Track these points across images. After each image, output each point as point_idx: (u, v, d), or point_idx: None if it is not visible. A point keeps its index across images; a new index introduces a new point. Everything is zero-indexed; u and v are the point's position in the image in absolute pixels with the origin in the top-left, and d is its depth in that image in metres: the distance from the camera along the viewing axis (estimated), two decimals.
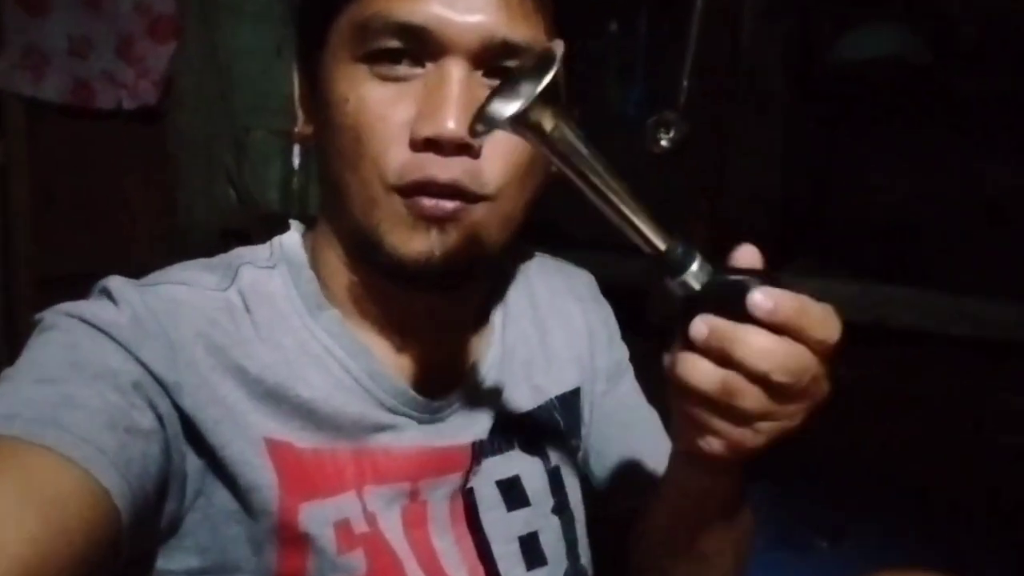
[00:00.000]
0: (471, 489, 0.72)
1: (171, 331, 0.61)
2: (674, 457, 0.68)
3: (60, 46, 2.07)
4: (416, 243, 0.63)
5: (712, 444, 0.55)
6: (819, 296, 0.53)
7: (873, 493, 1.46)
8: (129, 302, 0.61)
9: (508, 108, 0.52)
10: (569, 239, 1.47)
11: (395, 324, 0.71)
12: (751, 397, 0.52)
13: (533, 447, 0.77)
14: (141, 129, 2.13)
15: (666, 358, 0.55)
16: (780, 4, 1.64)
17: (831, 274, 1.51)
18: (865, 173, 1.61)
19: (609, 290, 0.90)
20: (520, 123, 0.51)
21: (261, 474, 0.62)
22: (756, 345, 0.51)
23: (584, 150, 0.53)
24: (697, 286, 0.53)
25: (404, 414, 0.69)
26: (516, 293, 0.82)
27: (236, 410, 0.62)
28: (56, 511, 0.47)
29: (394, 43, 0.62)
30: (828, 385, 0.55)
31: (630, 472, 0.83)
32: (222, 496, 0.62)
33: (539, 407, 0.78)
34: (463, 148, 0.61)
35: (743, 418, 0.53)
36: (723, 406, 0.53)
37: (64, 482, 0.49)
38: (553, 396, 0.80)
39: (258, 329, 0.66)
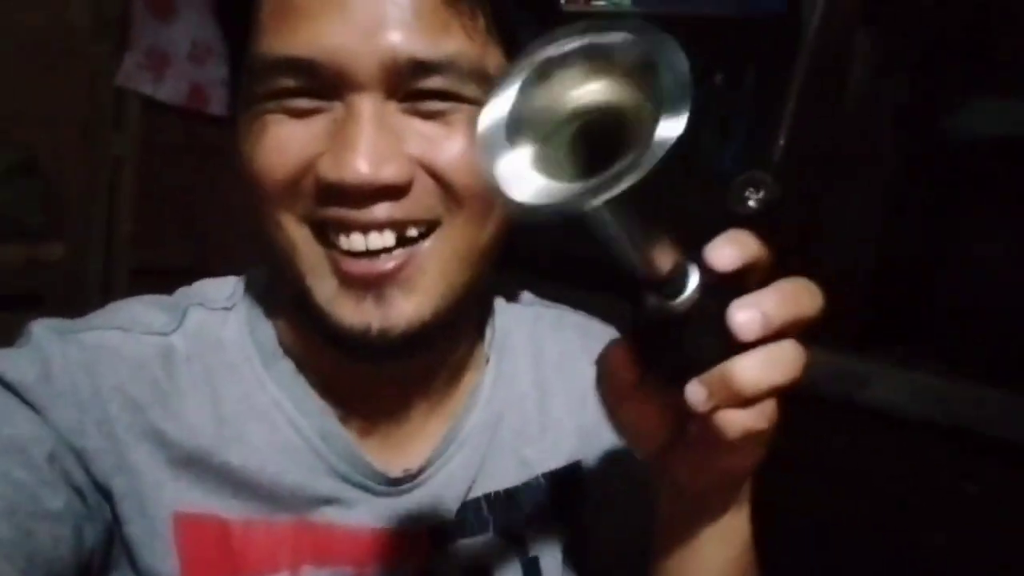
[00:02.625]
0: None
1: (83, 388, 0.56)
2: (672, 501, 0.57)
3: (182, 51, 2.17)
4: (348, 313, 0.55)
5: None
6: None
7: None
8: (44, 353, 0.56)
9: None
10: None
11: (355, 384, 0.63)
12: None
13: (510, 532, 0.67)
14: None
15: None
16: (894, 67, 1.52)
17: (921, 366, 1.36)
18: (973, 258, 1.45)
19: None
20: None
21: (161, 560, 0.56)
22: (749, 373, 0.45)
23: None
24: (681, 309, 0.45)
25: (358, 484, 0.61)
26: (517, 350, 0.73)
27: (145, 481, 0.56)
28: None
29: (287, 82, 0.54)
30: None
31: (634, 555, 0.74)
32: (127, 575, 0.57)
33: (524, 484, 0.69)
34: (382, 191, 0.53)
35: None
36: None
37: None
38: (543, 472, 0.70)
39: (195, 381, 0.60)
